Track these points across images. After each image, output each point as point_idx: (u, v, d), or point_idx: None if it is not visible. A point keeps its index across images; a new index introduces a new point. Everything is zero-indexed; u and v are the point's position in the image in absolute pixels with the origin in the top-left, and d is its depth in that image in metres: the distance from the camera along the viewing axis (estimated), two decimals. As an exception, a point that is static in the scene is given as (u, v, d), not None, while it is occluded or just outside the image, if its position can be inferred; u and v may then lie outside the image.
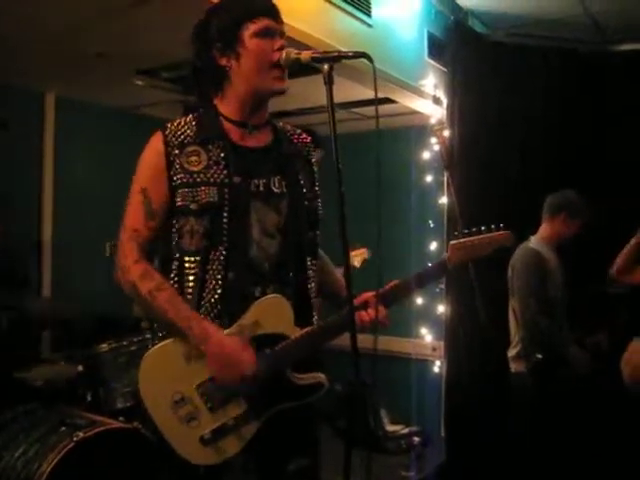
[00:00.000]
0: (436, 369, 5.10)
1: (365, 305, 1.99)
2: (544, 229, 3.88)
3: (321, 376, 2.00)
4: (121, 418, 3.19)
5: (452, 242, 2.08)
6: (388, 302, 2.02)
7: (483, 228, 2.08)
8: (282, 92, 1.99)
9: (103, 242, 4.92)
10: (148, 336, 3.57)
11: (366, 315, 1.98)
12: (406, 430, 5.15)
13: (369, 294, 2.01)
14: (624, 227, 3.79)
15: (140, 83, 4.50)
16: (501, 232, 2.09)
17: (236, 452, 1.92)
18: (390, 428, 5.18)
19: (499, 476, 3.92)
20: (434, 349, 5.17)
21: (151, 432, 2.02)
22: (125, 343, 3.57)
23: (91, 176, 5.05)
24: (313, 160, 2.17)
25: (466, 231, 2.08)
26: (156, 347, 1.94)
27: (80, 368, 3.50)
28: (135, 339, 3.61)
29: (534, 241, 3.83)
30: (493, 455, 4.01)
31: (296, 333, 1.95)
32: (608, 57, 4.60)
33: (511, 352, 3.86)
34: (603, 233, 3.96)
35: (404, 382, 5.17)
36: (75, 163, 4.96)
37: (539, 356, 3.67)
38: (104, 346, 3.53)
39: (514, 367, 3.84)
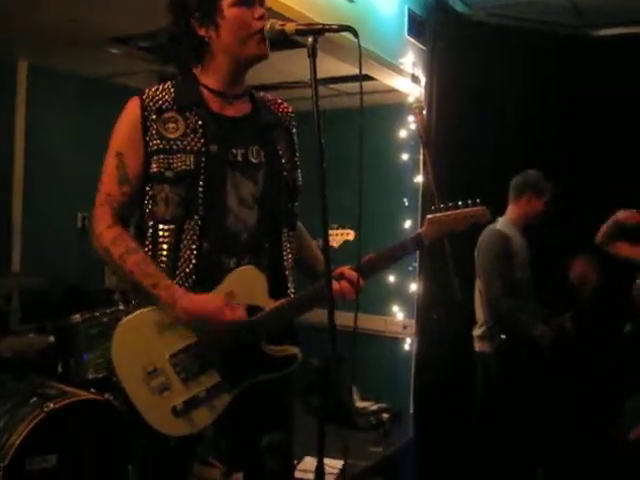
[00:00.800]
0: (407, 347, 5.14)
1: (340, 277, 1.98)
2: (510, 211, 3.94)
3: (295, 349, 2.01)
4: (92, 389, 3.19)
5: (429, 216, 2.08)
6: (365, 274, 2.01)
7: (460, 203, 2.08)
8: (265, 57, 1.96)
9: (75, 213, 4.88)
10: (121, 308, 3.57)
11: (338, 286, 1.96)
12: (375, 407, 5.19)
13: (344, 267, 2.01)
14: (594, 207, 3.84)
15: (115, 52, 4.43)
16: (477, 208, 2.10)
17: (208, 424, 1.92)
18: (360, 404, 5.23)
19: (466, 454, 3.97)
20: (405, 327, 5.20)
21: (122, 403, 1.99)
22: (97, 314, 3.56)
23: (64, 147, 4.95)
24: (294, 130, 2.15)
25: (442, 205, 2.09)
26: (128, 317, 1.92)
27: (51, 339, 3.48)
28: (108, 310, 3.60)
29: (501, 223, 3.88)
30: (461, 433, 4.07)
31: (270, 305, 1.95)
32: (587, 41, 4.62)
33: (476, 332, 3.92)
34: (572, 213, 4.01)
35: (374, 359, 5.20)
36: (47, 133, 4.87)
37: (503, 337, 3.73)
38: (76, 317, 3.51)
39: (478, 347, 3.92)
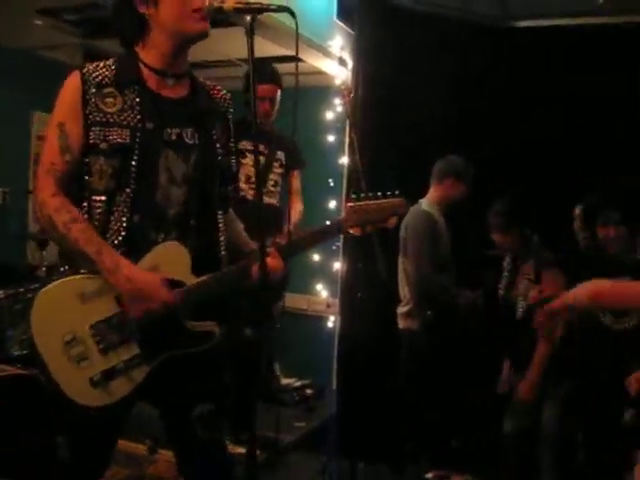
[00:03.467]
0: (330, 324, 5.22)
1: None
2: (433, 193, 4.03)
3: (213, 326, 2.05)
4: (18, 365, 3.15)
5: (349, 204, 2.13)
6: (285, 254, 2.07)
7: (379, 194, 2.13)
8: (205, 35, 1.99)
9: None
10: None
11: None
12: (299, 383, 5.30)
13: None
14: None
15: (39, 23, 4.33)
16: (396, 199, 2.14)
17: (125, 394, 1.95)
18: (284, 381, 5.32)
19: (387, 427, 4.10)
20: (329, 305, 5.28)
21: (42, 375, 1.99)
22: (21, 290, 3.50)
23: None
24: (230, 116, 2.20)
25: (362, 195, 2.13)
26: (50, 285, 1.92)
27: (-26, 316, 3.42)
28: (32, 287, 3.54)
29: (425, 203, 3.98)
30: (382, 408, 4.19)
31: (192, 280, 1.99)
32: (511, 32, 4.74)
33: (401, 310, 4.02)
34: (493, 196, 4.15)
35: (298, 337, 5.29)
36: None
37: (429, 313, 3.86)
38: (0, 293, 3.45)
39: (403, 324, 4.01)
